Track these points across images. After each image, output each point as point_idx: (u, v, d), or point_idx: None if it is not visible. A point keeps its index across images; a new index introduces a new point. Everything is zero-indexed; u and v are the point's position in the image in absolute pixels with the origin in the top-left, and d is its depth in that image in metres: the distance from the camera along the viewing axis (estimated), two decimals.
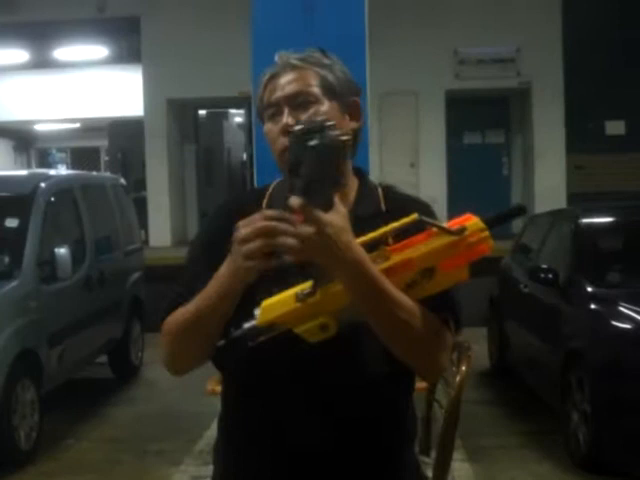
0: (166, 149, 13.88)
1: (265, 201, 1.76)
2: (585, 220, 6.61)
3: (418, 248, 1.48)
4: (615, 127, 13.45)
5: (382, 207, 1.73)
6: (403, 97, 13.29)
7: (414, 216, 1.49)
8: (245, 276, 1.48)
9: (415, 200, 1.79)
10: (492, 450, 5.65)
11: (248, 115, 12.99)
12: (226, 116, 16.89)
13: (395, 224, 1.49)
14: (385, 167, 12.24)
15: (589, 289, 5.73)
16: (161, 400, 7.01)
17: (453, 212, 1.54)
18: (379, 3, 8.21)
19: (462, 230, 1.47)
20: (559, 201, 11.83)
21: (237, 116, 16.94)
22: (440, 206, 11.28)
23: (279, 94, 1.67)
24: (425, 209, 1.71)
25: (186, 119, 14.86)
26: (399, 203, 1.72)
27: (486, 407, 6.62)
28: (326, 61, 1.70)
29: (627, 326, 5.20)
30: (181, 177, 14.56)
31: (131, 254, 8.32)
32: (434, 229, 1.48)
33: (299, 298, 1.45)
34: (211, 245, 1.71)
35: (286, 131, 1.62)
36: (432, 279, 1.48)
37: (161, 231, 13.62)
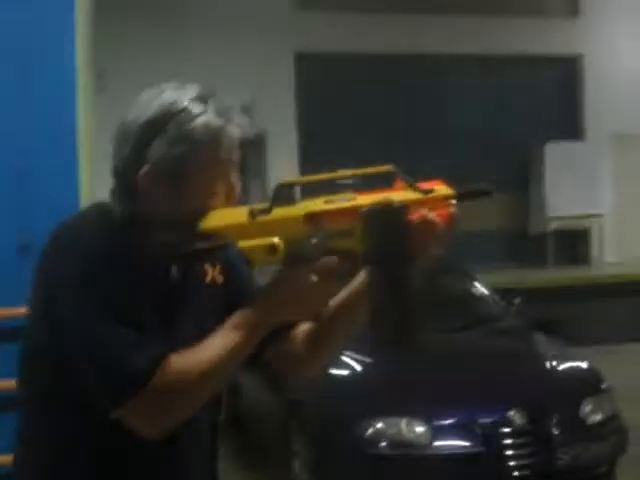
0: None
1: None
2: None
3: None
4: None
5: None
6: None
7: (390, 167, 1.46)
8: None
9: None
10: None
11: None
12: None
13: (370, 169, 1.48)
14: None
15: None
16: None
17: None
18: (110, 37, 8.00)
19: (430, 190, 1.46)
20: None
21: None
22: None
23: (235, 155, 1.68)
24: None
25: None
26: None
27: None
28: None
29: (343, 372, 5.34)
30: None
31: None
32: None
33: (254, 213, 1.44)
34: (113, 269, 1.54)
35: (235, 194, 1.62)
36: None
37: None
